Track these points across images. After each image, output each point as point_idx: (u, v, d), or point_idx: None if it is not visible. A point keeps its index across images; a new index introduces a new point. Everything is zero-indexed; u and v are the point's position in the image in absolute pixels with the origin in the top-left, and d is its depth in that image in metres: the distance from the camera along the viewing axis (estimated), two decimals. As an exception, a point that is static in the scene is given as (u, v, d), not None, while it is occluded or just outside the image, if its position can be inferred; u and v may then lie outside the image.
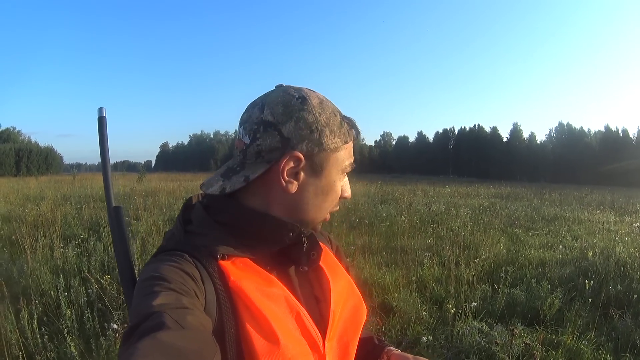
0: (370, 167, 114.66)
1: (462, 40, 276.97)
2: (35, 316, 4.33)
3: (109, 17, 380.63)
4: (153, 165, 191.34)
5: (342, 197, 1.12)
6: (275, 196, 1.03)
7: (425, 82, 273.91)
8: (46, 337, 4.19)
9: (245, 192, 1.04)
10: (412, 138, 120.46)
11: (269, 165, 1.00)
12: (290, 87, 1.05)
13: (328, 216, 1.13)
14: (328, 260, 1.19)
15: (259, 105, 1.02)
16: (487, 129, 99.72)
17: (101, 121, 1.24)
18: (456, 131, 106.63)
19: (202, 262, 0.94)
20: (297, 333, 0.97)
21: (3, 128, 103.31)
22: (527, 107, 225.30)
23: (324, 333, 1.04)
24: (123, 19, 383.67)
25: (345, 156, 1.07)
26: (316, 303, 1.10)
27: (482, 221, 11.86)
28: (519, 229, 11.14)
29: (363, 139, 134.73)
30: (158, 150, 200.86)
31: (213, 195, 1.06)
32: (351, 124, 1.09)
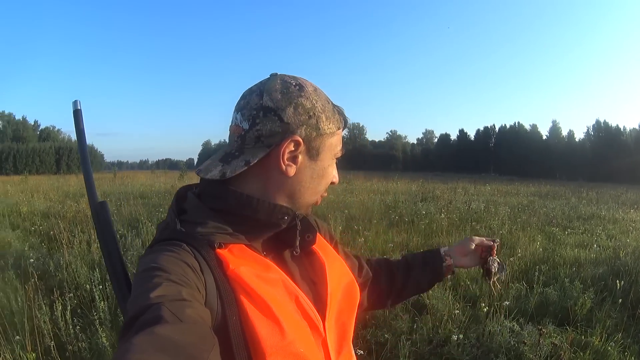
0: (412, 165, 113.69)
1: (501, 38, 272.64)
2: (69, 307, 4.40)
3: (150, 16, 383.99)
4: (195, 163, 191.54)
5: (332, 183, 1.17)
6: (273, 180, 1.06)
7: (467, 79, 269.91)
8: (78, 327, 4.25)
9: (242, 177, 1.05)
10: (453, 136, 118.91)
11: (269, 150, 1.02)
12: (285, 75, 1.08)
13: (320, 200, 1.16)
14: (319, 243, 1.21)
15: (257, 92, 1.04)
16: (527, 126, 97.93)
17: (76, 114, 1.27)
18: (497, 129, 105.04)
19: (199, 251, 0.95)
20: (297, 316, 0.99)
21: (43, 127, 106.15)
22: (565, 104, 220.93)
23: (322, 315, 1.07)
24: (163, 18, 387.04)
25: (337, 142, 1.12)
26: (312, 285, 1.12)
27: (520, 219, 11.63)
28: (556, 227, 10.89)
29: (405, 137, 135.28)
30: (200, 148, 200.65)
31: (207, 182, 1.07)
32: (341, 113, 1.12)
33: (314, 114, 1.03)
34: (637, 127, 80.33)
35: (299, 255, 1.14)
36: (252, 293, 0.93)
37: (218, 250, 0.97)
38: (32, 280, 4.85)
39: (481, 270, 1.58)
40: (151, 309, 0.75)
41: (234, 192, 1.03)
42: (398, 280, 1.53)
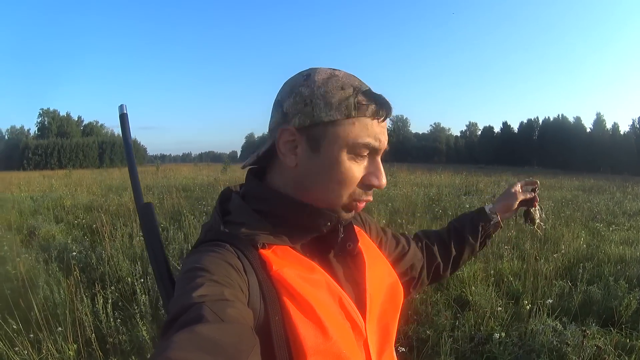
0: (456, 157, 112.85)
1: (545, 29, 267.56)
2: (110, 301, 4.50)
3: (190, 9, 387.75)
4: (238, 155, 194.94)
5: (369, 185, 1.02)
6: (285, 172, 1.04)
7: (510, 71, 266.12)
8: (119, 320, 4.36)
9: (270, 172, 1.07)
10: (497, 128, 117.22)
11: (272, 141, 1.02)
12: (311, 68, 1.04)
13: (357, 205, 1.04)
14: (364, 243, 1.17)
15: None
16: (571, 119, 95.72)
17: (123, 118, 1.26)
18: (540, 121, 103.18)
19: (243, 252, 0.94)
20: (340, 317, 0.97)
21: (86, 122, 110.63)
22: (609, 97, 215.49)
23: (365, 316, 1.04)
24: (206, 10, 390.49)
25: (351, 132, 0.97)
26: (356, 286, 1.08)
27: (563, 215, 11.32)
28: (600, 223, 10.56)
29: (449, 129, 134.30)
30: (244, 140, 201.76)
31: (251, 184, 1.08)
32: (371, 100, 0.98)
33: (311, 101, 0.97)
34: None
35: (344, 255, 1.10)
36: (295, 294, 0.91)
37: (261, 251, 0.96)
38: (75, 273, 4.98)
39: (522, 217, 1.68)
40: (193, 308, 0.75)
41: (276, 194, 1.02)
42: (452, 249, 1.53)
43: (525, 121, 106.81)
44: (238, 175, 24.63)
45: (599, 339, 4.14)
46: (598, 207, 13.58)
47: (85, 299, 4.55)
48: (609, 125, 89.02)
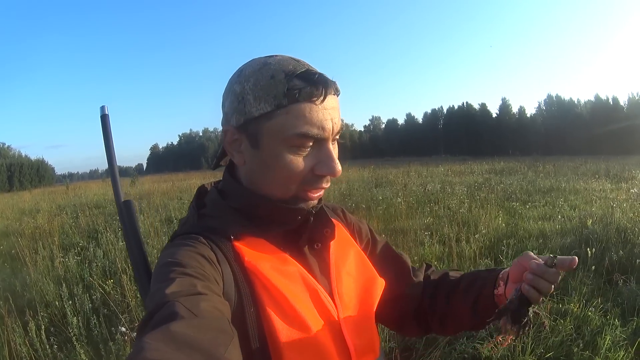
0: (361, 152, 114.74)
1: (442, 18, 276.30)
2: (43, 327, 4.39)
3: (90, 26, 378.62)
4: (145, 168, 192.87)
5: (321, 175, 1.00)
6: (240, 169, 1.09)
7: (410, 63, 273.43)
8: (55, 346, 4.26)
9: (236, 169, 1.11)
10: (401, 120, 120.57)
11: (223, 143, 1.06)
12: (248, 61, 1.04)
13: (309, 195, 1.02)
14: (341, 237, 1.18)
15: None
16: (476, 106, 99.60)
17: (104, 119, 1.29)
18: (445, 110, 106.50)
19: (217, 243, 0.96)
20: (315, 310, 0.99)
21: None
22: (515, 82, 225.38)
23: (339, 309, 1.05)
24: (105, 26, 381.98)
25: (286, 123, 0.94)
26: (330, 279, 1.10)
27: (478, 197, 11.85)
28: (516, 202, 11.22)
29: (352, 125, 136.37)
30: (148, 152, 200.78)
31: (227, 181, 1.10)
32: (305, 82, 0.94)
33: (242, 97, 0.97)
34: (592, 99, 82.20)
35: (319, 249, 1.11)
36: (270, 285, 0.94)
37: (235, 243, 0.98)
38: (2, 302, 4.87)
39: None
40: (166, 305, 0.76)
41: (243, 190, 1.06)
42: (440, 301, 1.28)
43: (429, 111, 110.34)
44: (147, 187, 24.89)
45: (534, 307, 4.32)
46: (512, 187, 14.40)
47: (18, 328, 4.43)
48: (515, 109, 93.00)
